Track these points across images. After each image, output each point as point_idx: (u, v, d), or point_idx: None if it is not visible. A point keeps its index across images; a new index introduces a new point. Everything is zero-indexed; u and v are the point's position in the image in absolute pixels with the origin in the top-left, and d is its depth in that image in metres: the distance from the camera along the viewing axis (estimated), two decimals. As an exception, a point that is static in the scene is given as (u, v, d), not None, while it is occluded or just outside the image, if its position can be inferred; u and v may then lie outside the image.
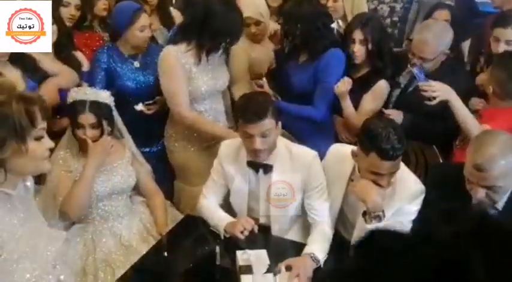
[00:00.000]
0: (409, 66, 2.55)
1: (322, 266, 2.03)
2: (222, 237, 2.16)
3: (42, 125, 1.46)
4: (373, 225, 1.95)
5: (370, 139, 1.94)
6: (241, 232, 2.07)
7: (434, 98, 2.28)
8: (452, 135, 2.46)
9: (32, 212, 1.61)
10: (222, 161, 2.28)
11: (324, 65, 2.65)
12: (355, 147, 2.10)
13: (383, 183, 2.00)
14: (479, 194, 1.82)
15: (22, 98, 1.41)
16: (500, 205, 1.88)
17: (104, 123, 2.26)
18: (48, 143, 1.50)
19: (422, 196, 2.04)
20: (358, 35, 2.68)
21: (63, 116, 2.46)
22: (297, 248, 2.12)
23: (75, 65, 2.66)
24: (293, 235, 2.32)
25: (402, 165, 2.09)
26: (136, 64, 2.77)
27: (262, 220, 2.31)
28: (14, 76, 2.27)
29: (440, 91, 2.28)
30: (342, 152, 2.20)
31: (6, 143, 1.38)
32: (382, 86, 2.70)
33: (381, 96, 2.72)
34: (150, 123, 2.82)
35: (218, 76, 2.66)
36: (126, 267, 2.07)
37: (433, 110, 2.35)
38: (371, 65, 2.73)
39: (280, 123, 2.17)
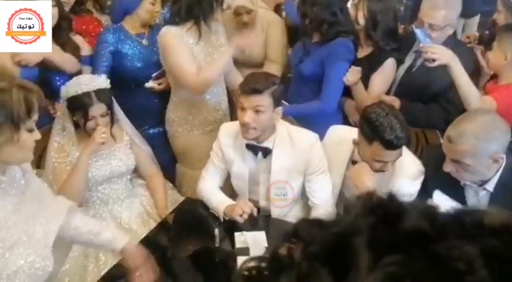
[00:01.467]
0: (413, 26, 2.45)
1: None
2: (222, 220, 2.17)
3: (35, 116, 1.46)
4: None
5: (373, 129, 1.92)
6: (240, 215, 2.07)
7: (434, 60, 2.20)
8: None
9: (28, 196, 1.60)
10: (222, 144, 2.28)
11: (331, 55, 2.58)
12: (353, 129, 2.08)
13: (386, 169, 1.99)
14: (448, 167, 1.81)
15: (22, 86, 1.41)
16: (491, 186, 1.86)
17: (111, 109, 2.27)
18: (36, 134, 1.50)
19: (422, 177, 2.03)
20: None
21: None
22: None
23: (74, 49, 2.66)
24: (293, 217, 2.31)
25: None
26: (145, 42, 2.79)
27: (262, 204, 2.32)
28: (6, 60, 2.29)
29: (441, 54, 2.19)
30: (341, 134, 2.19)
31: (1, 129, 1.38)
32: (390, 65, 2.65)
33: (389, 75, 2.67)
34: (157, 103, 2.85)
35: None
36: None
37: (437, 89, 2.30)
38: (374, 42, 2.67)
39: (280, 108, 2.15)
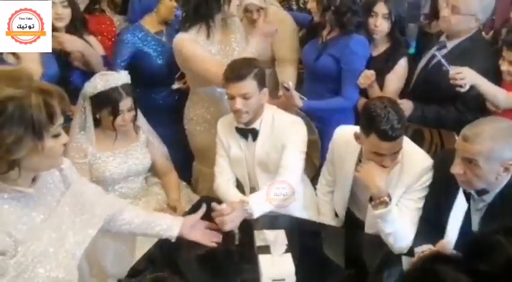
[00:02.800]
0: (435, 50, 2.47)
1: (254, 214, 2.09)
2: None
3: (60, 121, 1.35)
4: (379, 212, 1.96)
5: (369, 120, 1.92)
6: None
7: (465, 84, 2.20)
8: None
9: (65, 202, 1.51)
10: (220, 133, 2.39)
11: (348, 52, 2.60)
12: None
13: (386, 164, 1.99)
14: (456, 168, 1.76)
15: (41, 90, 1.29)
16: (489, 198, 1.82)
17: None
18: (63, 138, 1.39)
19: (431, 173, 2.03)
20: (381, 8, 2.66)
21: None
22: (309, 227, 2.16)
23: None
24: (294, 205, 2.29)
25: (410, 141, 2.09)
26: (164, 39, 2.83)
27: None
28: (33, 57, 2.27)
29: (467, 77, 2.20)
30: (348, 133, 2.19)
31: (23, 141, 1.27)
32: (403, 65, 2.72)
33: (403, 74, 2.73)
34: (176, 102, 2.88)
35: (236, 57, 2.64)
36: (144, 249, 2.05)
37: (453, 88, 2.30)
38: (391, 40, 2.72)
39: (266, 89, 2.25)
